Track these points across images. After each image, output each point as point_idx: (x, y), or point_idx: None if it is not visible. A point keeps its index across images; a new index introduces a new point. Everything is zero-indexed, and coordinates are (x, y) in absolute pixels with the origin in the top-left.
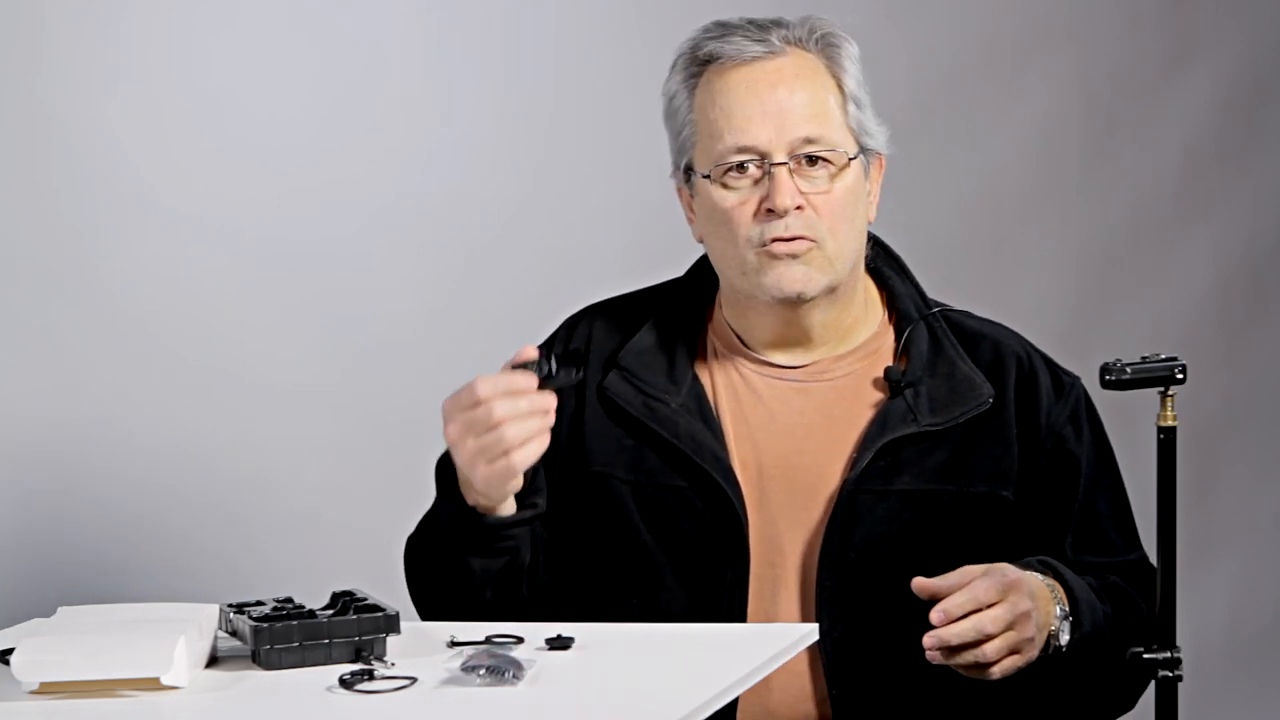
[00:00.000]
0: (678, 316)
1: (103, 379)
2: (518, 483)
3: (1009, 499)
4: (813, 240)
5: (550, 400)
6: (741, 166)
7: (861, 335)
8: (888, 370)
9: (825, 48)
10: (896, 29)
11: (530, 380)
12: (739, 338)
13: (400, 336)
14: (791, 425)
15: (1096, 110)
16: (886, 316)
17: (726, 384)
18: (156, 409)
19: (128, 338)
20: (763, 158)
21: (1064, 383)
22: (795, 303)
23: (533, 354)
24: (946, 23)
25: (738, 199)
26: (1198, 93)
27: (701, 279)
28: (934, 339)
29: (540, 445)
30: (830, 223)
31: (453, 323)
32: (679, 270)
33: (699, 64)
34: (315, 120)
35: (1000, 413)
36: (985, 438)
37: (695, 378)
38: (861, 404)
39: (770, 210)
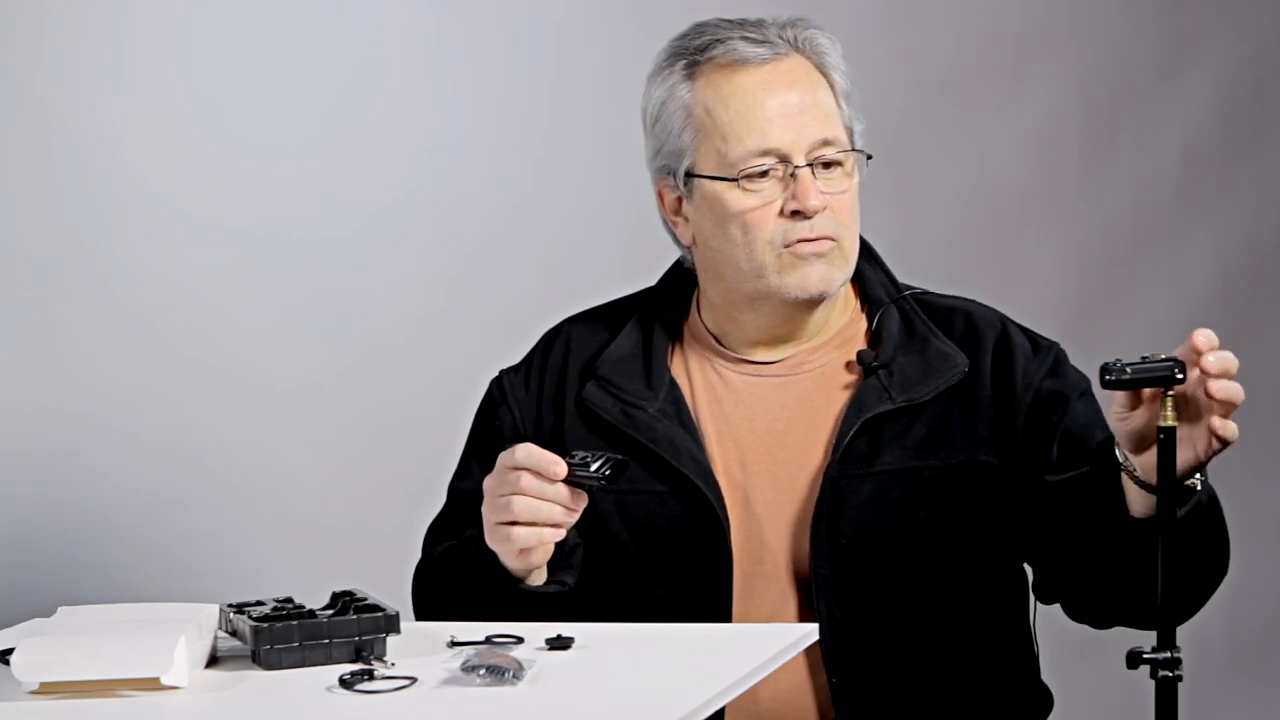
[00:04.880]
0: (653, 323)
1: (103, 379)
2: (533, 558)
3: (989, 462)
4: (834, 239)
5: (568, 497)
6: (764, 170)
7: (836, 325)
8: (860, 353)
9: (814, 51)
10: (896, 29)
11: (561, 467)
12: (716, 340)
13: (400, 336)
14: (772, 420)
15: (1096, 110)
16: (859, 305)
17: (705, 386)
18: (156, 409)
19: (127, 338)
20: (783, 160)
21: (1042, 345)
22: (814, 301)
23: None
24: (946, 23)
25: (759, 200)
26: (1198, 93)
27: (675, 285)
28: (905, 320)
29: (552, 534)
30: (847, 221)
31: (452, 323)
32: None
33: (694, 66)
34: (315, 120)
35: (975, 378)
36: (962, 407)
37: (673, 382)
38: (837, 390)
39: (796, 212)
